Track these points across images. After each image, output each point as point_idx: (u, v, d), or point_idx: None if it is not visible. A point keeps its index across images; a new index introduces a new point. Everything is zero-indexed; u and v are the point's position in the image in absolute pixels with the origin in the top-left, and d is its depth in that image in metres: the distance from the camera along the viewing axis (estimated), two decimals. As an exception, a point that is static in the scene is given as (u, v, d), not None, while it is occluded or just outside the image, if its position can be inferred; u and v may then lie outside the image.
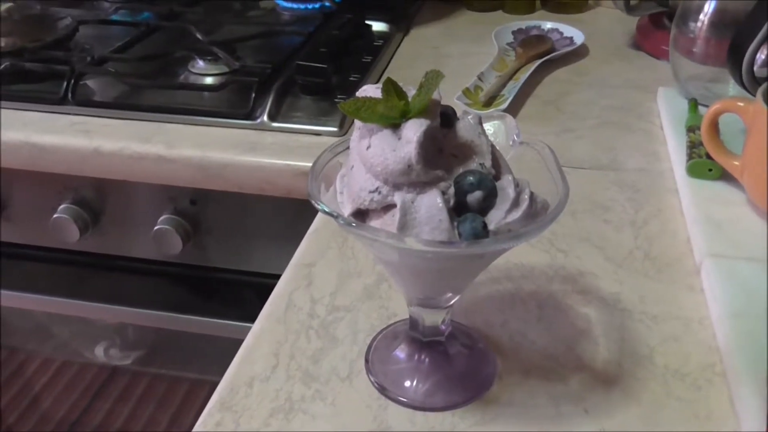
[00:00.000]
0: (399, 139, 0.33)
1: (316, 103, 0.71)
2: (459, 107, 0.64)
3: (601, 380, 0.41)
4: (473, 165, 0.34)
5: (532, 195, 0.33)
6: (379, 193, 0.33)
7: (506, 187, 0.33)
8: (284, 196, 0.65)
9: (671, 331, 0.44)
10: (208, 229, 0.73)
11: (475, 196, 0.33)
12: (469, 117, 0.35)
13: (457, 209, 0.33)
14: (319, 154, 0.37)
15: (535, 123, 0.69)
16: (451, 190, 0.33)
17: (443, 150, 0.34)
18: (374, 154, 0.33)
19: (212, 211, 0.72)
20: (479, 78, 0.74)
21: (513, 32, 0.87)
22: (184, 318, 0.81)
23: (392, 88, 0.33)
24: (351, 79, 0.75)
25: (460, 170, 0.33)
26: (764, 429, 0.35)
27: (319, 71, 0.71)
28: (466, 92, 0.71)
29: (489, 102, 0.70)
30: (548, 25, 0.88)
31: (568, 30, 0.87)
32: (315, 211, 0.54)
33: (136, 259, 0.78)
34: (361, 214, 0.35)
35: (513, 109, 0.70)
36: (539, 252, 0.51)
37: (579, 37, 0.85)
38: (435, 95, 0.34)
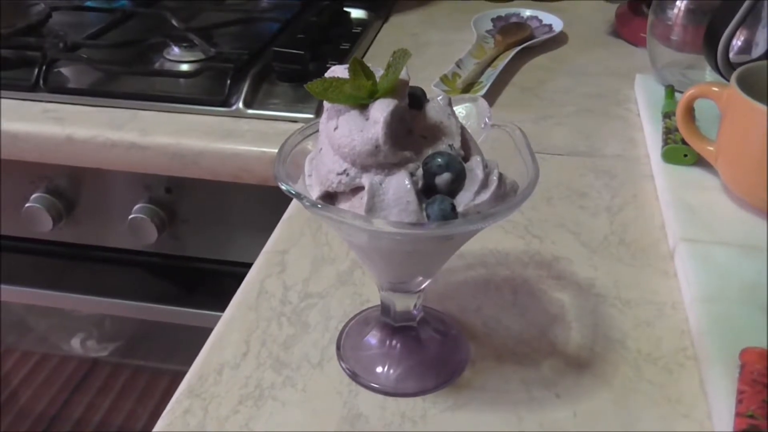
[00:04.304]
0: (367, 119, 0.32)
1: (293, 89, 0.70)
2: (436, 94, 0.64)
3: (574, 365, 0.41)
4: (442, 146, 0.33)
5: (500, 176, 0.33)
6: (347, 175, 0.33)
7: (475, 168, 0.33)
8: (260, 184, 0.64)
9: (644, 315, 0.44)
10: (185, 218, 0.72)
11: (443, 178, 0.32)
12: (438, 98, 0.35)
13: (426, 191, 0.32)
14: (288, 137, 0.37)
15: (513, 110, 0.69)
16: (420, 172, 0.32)
17: (412, 131, 0.34)
18: (342, 135, 0.32)
19: (188, 200, 0.71)
20: (457, 65, 0.73)
21: (492, 19, 0.87)
22: (162, 308, 0.80)
23: (360, 68, 0.33)
24: (328, 66, 0.74)
25: (429, 152, 0.33)
26: (733, 410, 0.35)
27: (296, 58, 0.70)
28: (444, 79, 0.70)
29: (467, 89, 0.70)
30: (527, 12, 0.88)
31: (548, 17, 0.86)
32: (291, 199, 0.53)
33: (112, 248, 0.77)
34: (330, 197, 0.34)
35: (491, 96, 0.69)
36: (514, 238, 0.51)
37: (558, 25, 0.84)
38: (403, 75, 0.33)
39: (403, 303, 0.40)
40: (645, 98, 0.67)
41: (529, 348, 0.42)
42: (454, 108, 0.36)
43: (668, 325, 0.43)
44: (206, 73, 0.71)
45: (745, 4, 0.56)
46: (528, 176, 0.34)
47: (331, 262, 0.49)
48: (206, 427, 0.37)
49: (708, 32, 0.59)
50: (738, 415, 0.34)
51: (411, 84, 0.34)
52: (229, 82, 0.68)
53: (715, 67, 0.59)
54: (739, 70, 0.51)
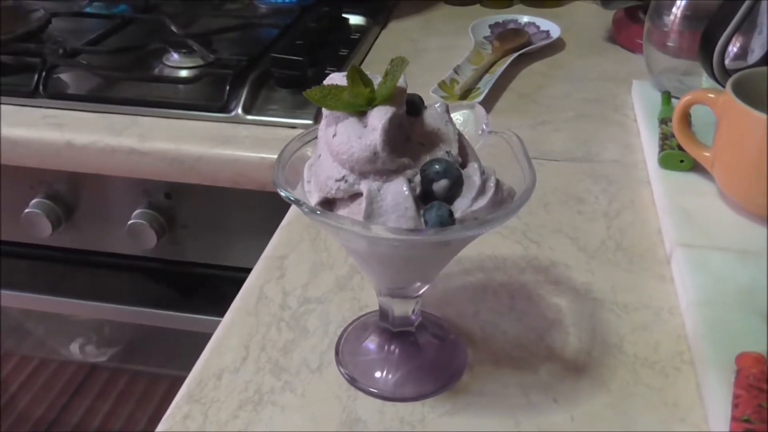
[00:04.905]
0: (365, 126, 0.33)
1: (292, 95, 0.70)
2: (434, 101, 0.64)
3: (571, 369, 0.41)
4: (440, 153, 0.34)
5: (497, 183, 0.33)
6: (346, 181, 0.33)
7: (472, 174, 0.33)
8: (259, 190, 0.65)
9: (641, 320, 0.45)
10: (184, 223, 0.73)
11: (441, 185, 0.32)
12: (436, 105, 0.35)
13: (424, 197, 0.33)
14: (287, 143, 0.37)
15: (510, 116, 0.69)
16: (418, 179, 0.33)
17: (410, 138, 0.34)
18: (340, 142, 0.33)
19: (187, 205, 0.72)
20: (455, 71, 0.74)
21: (490, 26, 0.87)
22: (161, 314, 0.80)
23: (357, 76, 0.33)
24: (327, 72, 0.74)
25: (427, 158, 0.33)
26: (729, 414, 0.35)
27: (294, 64, 0.71)
28: (442, 85, 0.71)
29: (465, 95, 0.70)
30: (525, 18, 0.88)
31: (545, 24, 0.87)
32: (290, 205, 0.54)
33: (111, 254, 0.77)
34: (329, 203, 0.34)
35: (488, 102, 0.70)
36: (512, 243, 0.51)
37: (555, 31, 0.85)
38: (401, 83, 0.33)
39: (401, 308, 0.40)
40: (642, 104, 0.67)
41: (526, 352, 0.42)
42: (452, 115, 0.36)
43: (665, 330, 0.44)
44: (205, 78, 0.72)
45: (741, 11, 0.56)
46: (525, 182, 0.34)
47: (329, 268, 0.49)
48: (206, 432, 0.38)
49: (704, 38, 0.59)
50: (734, 419, 0.35)
51: (409, 90, 0.35)
52: (228, 88, 0.68)
53: (711, 74, 0.60)
54: (734, 76, 0.51)
